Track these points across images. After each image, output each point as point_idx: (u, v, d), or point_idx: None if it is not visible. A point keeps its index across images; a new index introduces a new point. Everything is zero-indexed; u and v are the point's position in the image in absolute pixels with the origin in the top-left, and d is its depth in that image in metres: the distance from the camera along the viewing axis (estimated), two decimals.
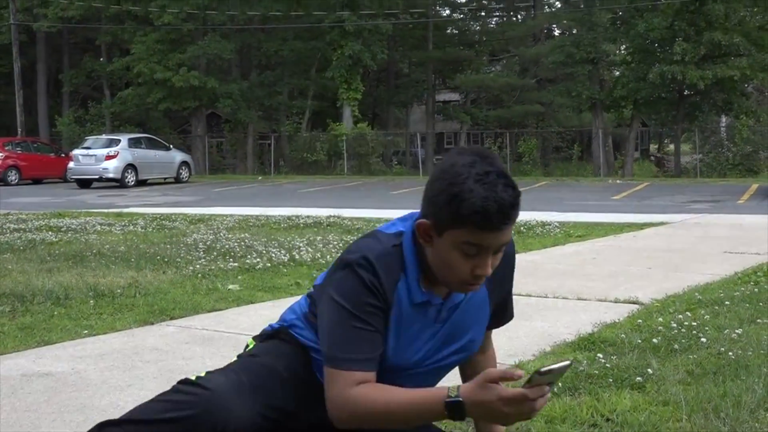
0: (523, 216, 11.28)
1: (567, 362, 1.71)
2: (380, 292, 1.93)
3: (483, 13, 47.72)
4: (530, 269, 6.25)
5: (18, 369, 3.44)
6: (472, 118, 40.30)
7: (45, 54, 40.17)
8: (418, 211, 2.02)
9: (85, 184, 26.01)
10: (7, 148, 28.83)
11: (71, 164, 26.36)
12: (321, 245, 7.85)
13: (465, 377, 2.32)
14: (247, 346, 2.27)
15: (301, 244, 7.83)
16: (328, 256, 6.90)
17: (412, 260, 1.99)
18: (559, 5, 40.79)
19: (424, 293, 2.00)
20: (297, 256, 7.00)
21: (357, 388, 1.86)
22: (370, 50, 32.97)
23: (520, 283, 5.36)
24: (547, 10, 42.30)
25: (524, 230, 9.50)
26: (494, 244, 1.87)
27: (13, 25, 35.18)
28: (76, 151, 26.78)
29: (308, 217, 11.41)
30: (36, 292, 5.13)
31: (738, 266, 6.32)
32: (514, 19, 46.44)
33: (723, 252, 7.40)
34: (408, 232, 2.01)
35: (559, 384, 3.05)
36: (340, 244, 7.88)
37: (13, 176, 28.19)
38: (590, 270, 6.48)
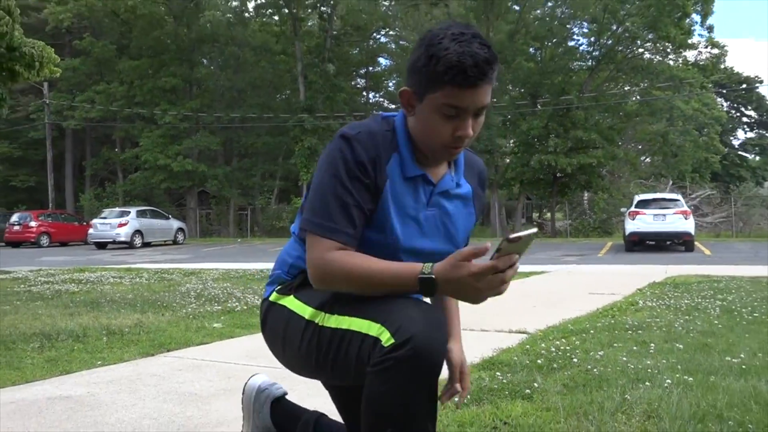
0: None
1: (534, 230, 1.41)
2: (372, 166, 1.53)
3: None
4: None
5: (44, 393, 3.30)
6: None
7: (72, 146, 39.56)
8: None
9: (101, 246, 25.45)
10: (40, 218, 28.28)
11: (91, 230, 25.84)
12: None
13: None
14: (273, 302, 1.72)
15: None
16: None
17: (404, 138, 1.60)
18: None
19: (417, 169, 1.60)
20: None
21: (336, 252, 1.50)
22: (323, 143, 33.19)
23: None
24: None
25: None
26: (472, 104, 1.49)
27: (47, 124, 34.63)
28: (95, 221, 26.29)
29: None
30: (60, 332, 4.96)
31: (599, 304, 6.41)
32: None
33: (588, 293, 7.49)
34: (399, 115, 1.63)
35: (468, 396, 3.01)
36: None
37: (44, 240, 27.61)
38: (490, 308, 6.49)
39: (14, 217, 28.45)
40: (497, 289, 1.41)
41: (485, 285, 1.40)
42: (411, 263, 1.48)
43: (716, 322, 5.08)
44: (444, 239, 1.68)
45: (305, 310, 1.59)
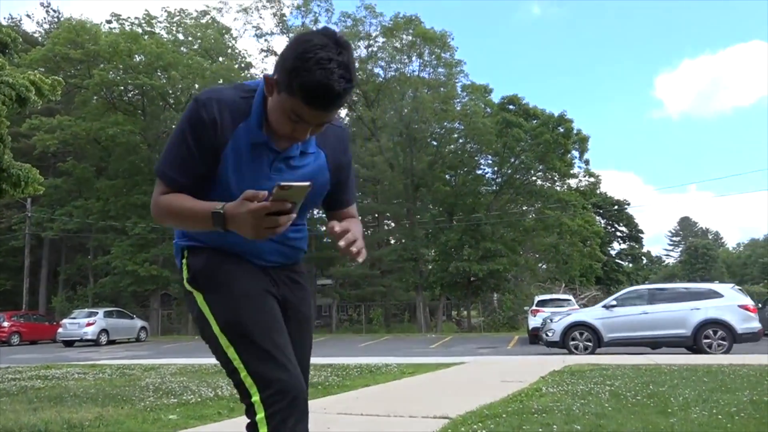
0: (373, 360, 11.07)
1: (307, 183, 1.39)
2: (215, 129, 1.53)
3: None
4: (378, 397, 6.02)
5: None
6: (340, 296, 39.98)
7: (48, 253, 37.79)
8: None
9: (69, 344, 23.87)
10: (13, 318, 26.44)
11: (60, 330, 24.33)
12: None
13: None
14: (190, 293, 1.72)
15: (223, 384, 7.33)
16: None
17: (259, 108, 1.55)
18: (393, 225, 42.28)
19: (263, 136, 1.56)
20: (220, 393, 6.48)
21: (164, 196, 1.58)
22: None
23: (371, 407, 5.19)
24: (386, 227, 43.77)
25: (374, 370, 9.06)
26: (314, 121, 1.47)
27: (27, 234, 33.17)
28: (64, 320, 24.85)
29: None
30: (22, 427, 4.52)
31: (510, 390, 6.31)
32: (367, 233, 47.68)
33: (500, 381, 7.37)
34: (263, 85, 1.57)
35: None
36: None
37: (15, 339, 25.67)
38: (417, 395, 6.33)
39: None
40: (272, 229, 1.42)
41: (260, 223, 1.41)
42: (212, 203, 1.51)
43: (607, 405, 5.07)
44: None
45: (213, 324, 1.64)
